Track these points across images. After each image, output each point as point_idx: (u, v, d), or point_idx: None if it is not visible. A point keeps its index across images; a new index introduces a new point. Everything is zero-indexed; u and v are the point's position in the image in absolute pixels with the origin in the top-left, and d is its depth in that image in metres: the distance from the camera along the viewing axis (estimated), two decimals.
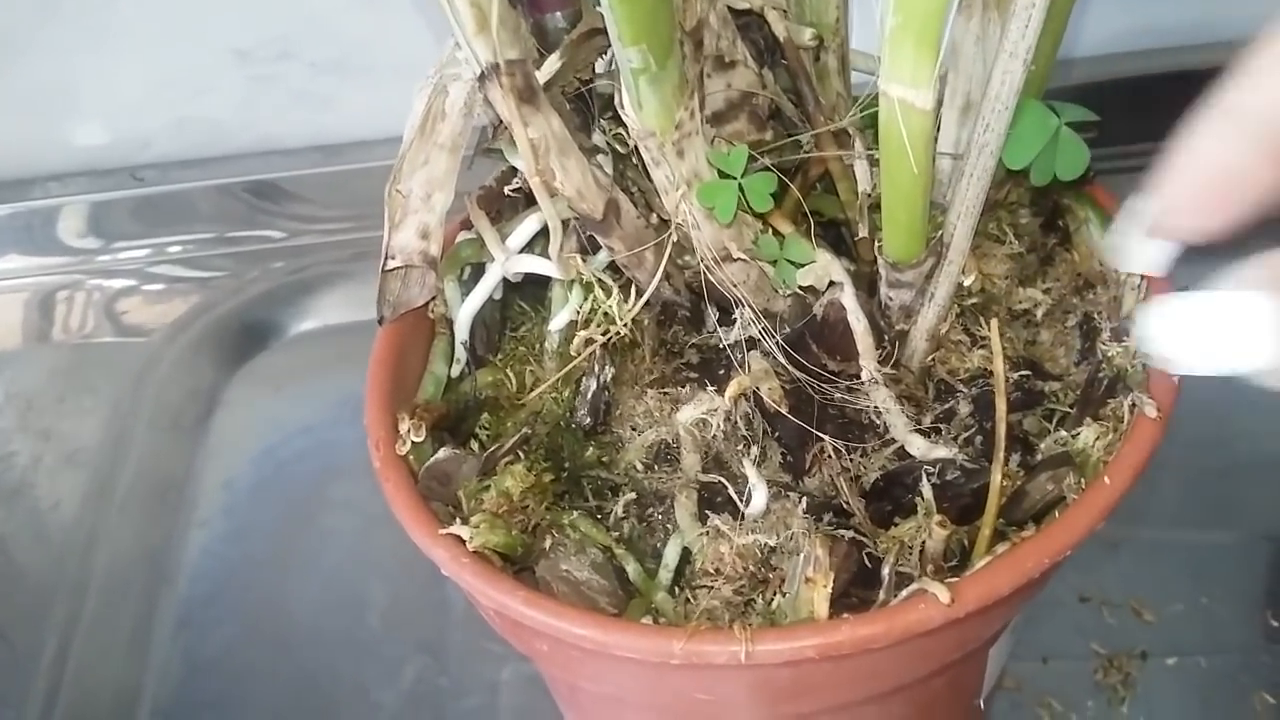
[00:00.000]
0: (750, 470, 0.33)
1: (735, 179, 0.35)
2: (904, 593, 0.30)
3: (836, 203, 0.40)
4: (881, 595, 0.31)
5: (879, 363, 0.36)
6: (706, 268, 0.36)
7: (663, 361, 0.39)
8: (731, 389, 0.34)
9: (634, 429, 0.37)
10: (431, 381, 0.39)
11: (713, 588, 0.32)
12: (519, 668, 0.55)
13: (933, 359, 0.38)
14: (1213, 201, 0.27)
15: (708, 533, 0.32)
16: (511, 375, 0.40)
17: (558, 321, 0.39)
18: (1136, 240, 0.31)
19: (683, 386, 0.38)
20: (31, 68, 0.71)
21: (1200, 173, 0.27)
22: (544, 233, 0.40)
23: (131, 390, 0.68)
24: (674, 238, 0.37)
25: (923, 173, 0.33)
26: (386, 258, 0.38)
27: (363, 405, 0.67)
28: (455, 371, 0.40)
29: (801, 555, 0.31)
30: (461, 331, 0.40)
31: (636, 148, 0.39)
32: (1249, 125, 0.26)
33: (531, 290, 0.42)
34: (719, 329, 0.39)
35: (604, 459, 0.36)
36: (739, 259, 0.36)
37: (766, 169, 0.35)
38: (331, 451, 0.66)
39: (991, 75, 0.33)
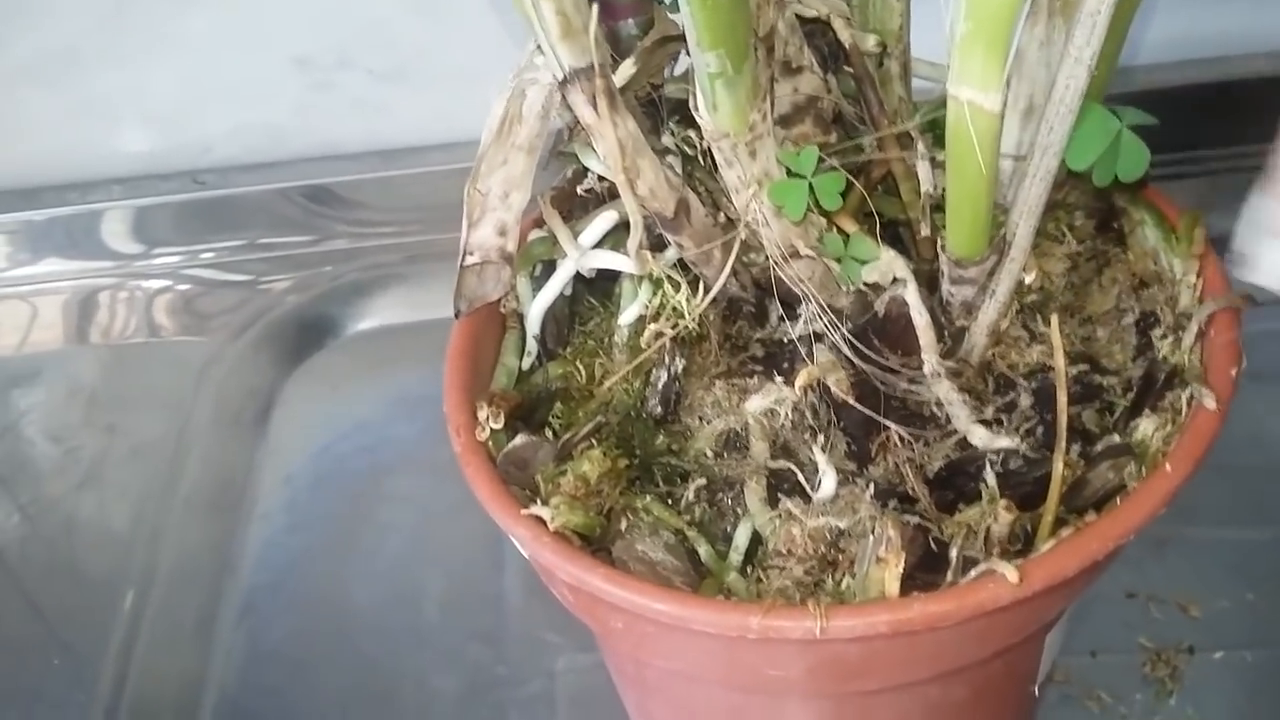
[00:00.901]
0: (820, 457, 0.34)
1: (805, 178, 0.36)
2: (972, 573, 0.31)
3: (897, 203, 0.41)
4: (949, 576, 0.32)
5: (940, 357, 0.38)
6: (774, 264, 0.37)
7: (728, 355, 0.40)
8: (801, 379, 0.35)
9: (702, 419, 0.38)
10: (504, 373, 0.41)
11: (784, 568, 0.33)
12: (575, 658, 0.56)
13: (993, 354, 0.39)
14: None
15: (779, 516, 0.34)
16: (581, 367, 0.41)
17: (627, 316, 0.40)
18: (1266, 247, 0.30)
19: (749, 378, 0.39)
20: (98, 75, 0.73)
21: None
22: (614, 231, 0.41)
23: (193, 388, 0.70)
24: (742, 236, 0.38)
25: (989, 172, 0.34)
26: (465, 254, 0.39)
27: (417, 403, 0.71)
28: (526, 364, 0.42)
29: (872, 536, 0.32)
30: (533, 325, 0.41)
31: (706, 149, 0.40)
32: None
33: (600, 286, 0.43)
34: (784, 323, 0.40)
35: (673, 447, 0.38)
36: (805, 256, 0.38)
37: (833, 169, 0.37)
38: (388, 448, 0.68)
39: (1056, 80, 0.34)
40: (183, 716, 0.55)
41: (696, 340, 0.40)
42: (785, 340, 0.40)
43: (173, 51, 0.72)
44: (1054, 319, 0.38)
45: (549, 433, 0.39)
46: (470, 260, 0.39)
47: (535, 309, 0.41)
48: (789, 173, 0.37)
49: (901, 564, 0.30)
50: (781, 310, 0.40)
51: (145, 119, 0.75)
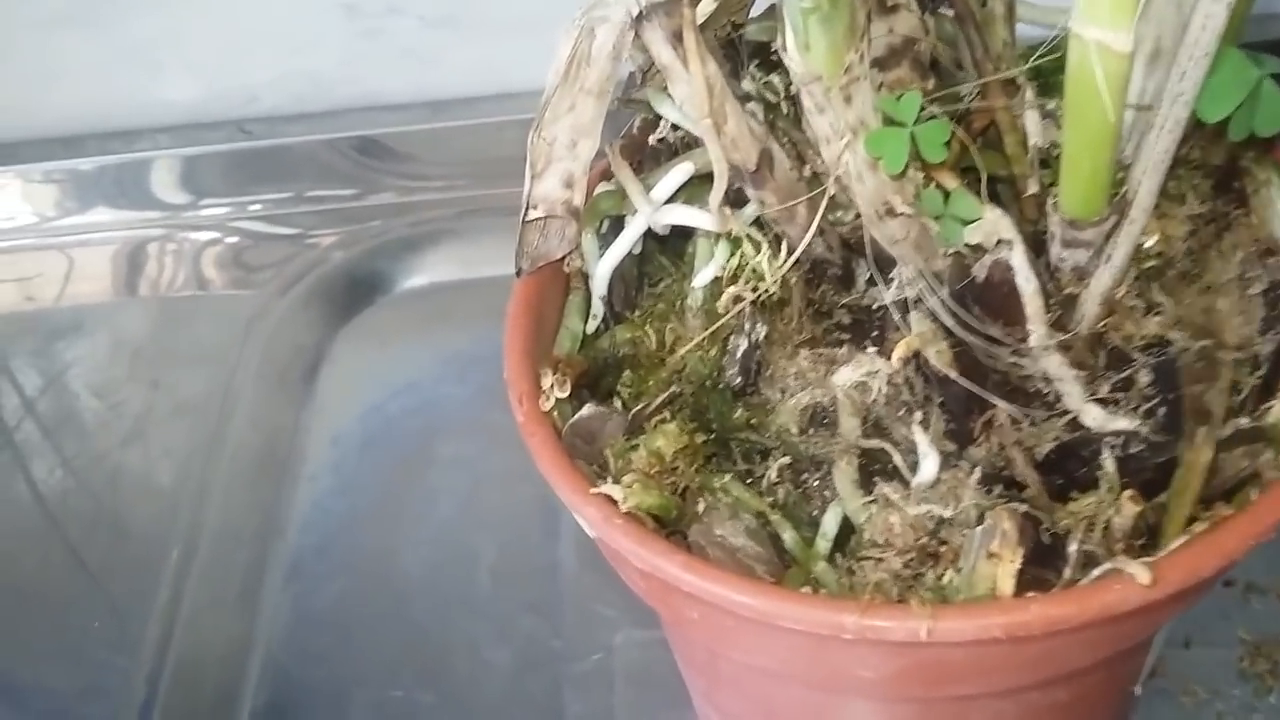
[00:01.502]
0: (920, 437, 0.31)
1: (906, 127, 0.33)
2: (1095, 572, 0.28)
3: (997, 158, 0.38)
4: (1068, 574, 0.29)
5: (1048, 328, 0.34)
6: (867, 223, 0.34)
7: (811, 322, 0.37)
8: (899, 350, 0.32)
9: (784, 391, 0.35)
10: (568, 337, 0.38)
11: (881, 560, 0.30)
12: (633, 633, 0.54)
13: (1104, 324, 0.36)
14: None
15: (875, 501, 0.31)
16: (651, 332, 0.38)
17: (702, 278, 0.37)
18: None
19: (837, 348, 0.36)
20: (139, 20, 0.71)
21: None
22: (689, 185, 0.38)
23: (239, 344, 0.68)
24: (830, 191, 0.35)
25: (1115, 121, 0.30)
26: (527, 208, 0.36)
27: (469, 364, 0.68)
28: (591, 328, 0.39)
29: (981, 528, 0.29)
30: (600, 286, 0.38)
31: (789, 96, 0.37)
32: None
33: (672, 245, 0.40)
34: (875, 288, 0.37)
35: (753, 421, 0.35)
36: (901, 214, 0.34)
37: (935, 118, 0.33)
38: (438, 409, 0.66)
39: (1191, 19, 0.31)
40: (228, 681, 0.54)
41: (777, 306, 0.37)
42: (874, 307, 0.37)
43: None
44: (1177, 287, 0.34)
45: (617, 403, 0.36)
46: (533, 215, 0.36)
47: (602, 268, 0.38)
48: (886, 121, 0.33)
49: (1018, 560, 0.27)
50: (871, 274, 0.37)
51: (188, 66, 0.73)
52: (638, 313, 0.39)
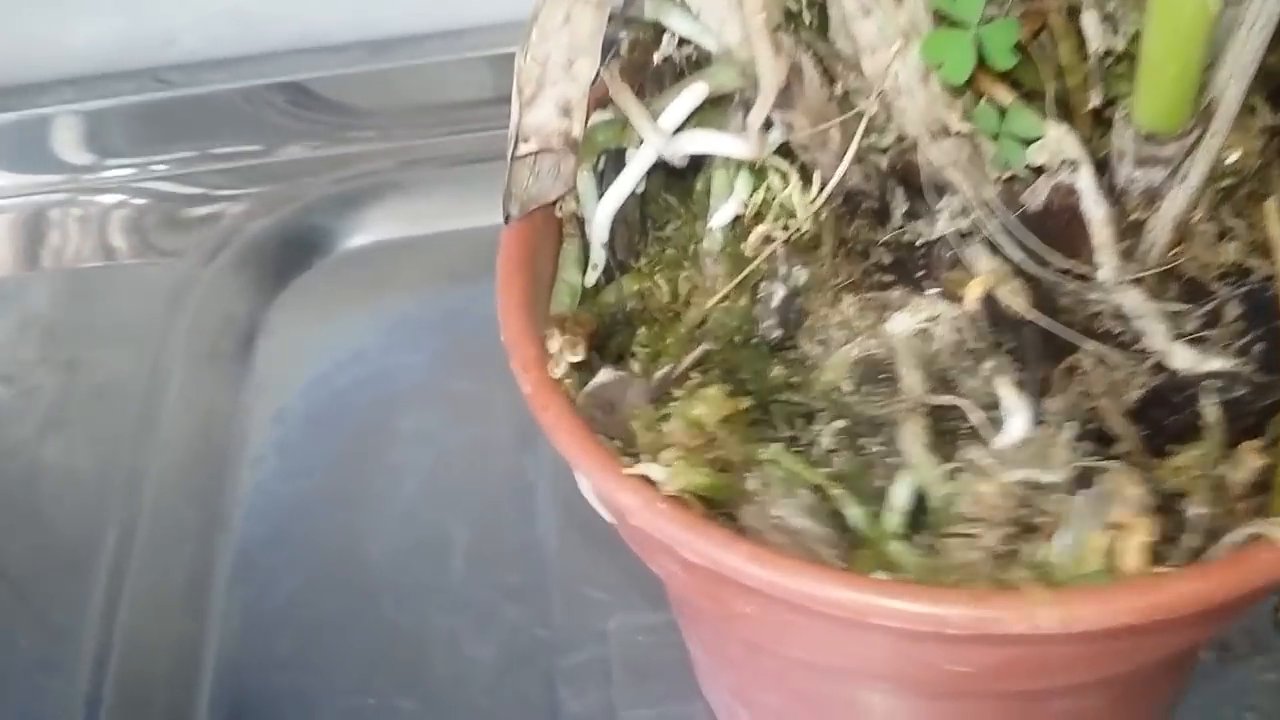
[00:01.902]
0: (1005, 389, 0.27)
1: (970, 28, 0.28)
2: (1231, 538, 0.24)
3: (1047, 69, 0.33)
4: (1191, 542, 0.25)
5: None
6: (920, 145, 0.30)
7: (847, 263, 0.33)
8: (975, 289, 0.28)
9: (826, 343, 0.31)
10: (566, 291, 0.33)
11: (972, 535, 0.26)
12: (628, 618, 0.49)
13: (1176, 253, 0.32)
14: None
15: (960, 467, 0.26)
16: (662, 283, 0.33)
17: (721, 216, 0.32)
18: None
19: (883, 290, 0.31)
20: None
21: None
22: (699, 110, 0.33)
23: (164, 317, 0.61)
24: (871, 110, 0.30)
25: (1212, 15, 0.26)
26: (517, 141, 0.31)
27: (421, 329, 0.62)
28: (590, 280, 0.34)
29: (1088, 494, 0.25)
30: (601, 231, 0.33)
31: (814, 3, 0.32)
32: None
33: (676, 183, 0.35)
34: (914, 222, 0.32)
35: (794, 380, 0.30)
36: (957, 133, 0.30)
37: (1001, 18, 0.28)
38: (391, 379, 0.60)
39: None
40: (178, 698, 0.48)
41: (809, 246, 0.32)
42: (918, 244, 0.32)
43: None
44: (1270, 205, 0.30)
45: (635, 365, 0.31)
46: (524, 149, 0.31)
47: (603, 210, 0.33)
48: (940, 23, 0.29)
49: (1150, 532, 0.23)
50: (908, 207, 0.33)
51: (96, 7, 0.65)
52: (644, 261, 0.34)
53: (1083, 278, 0.30)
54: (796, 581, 0.24)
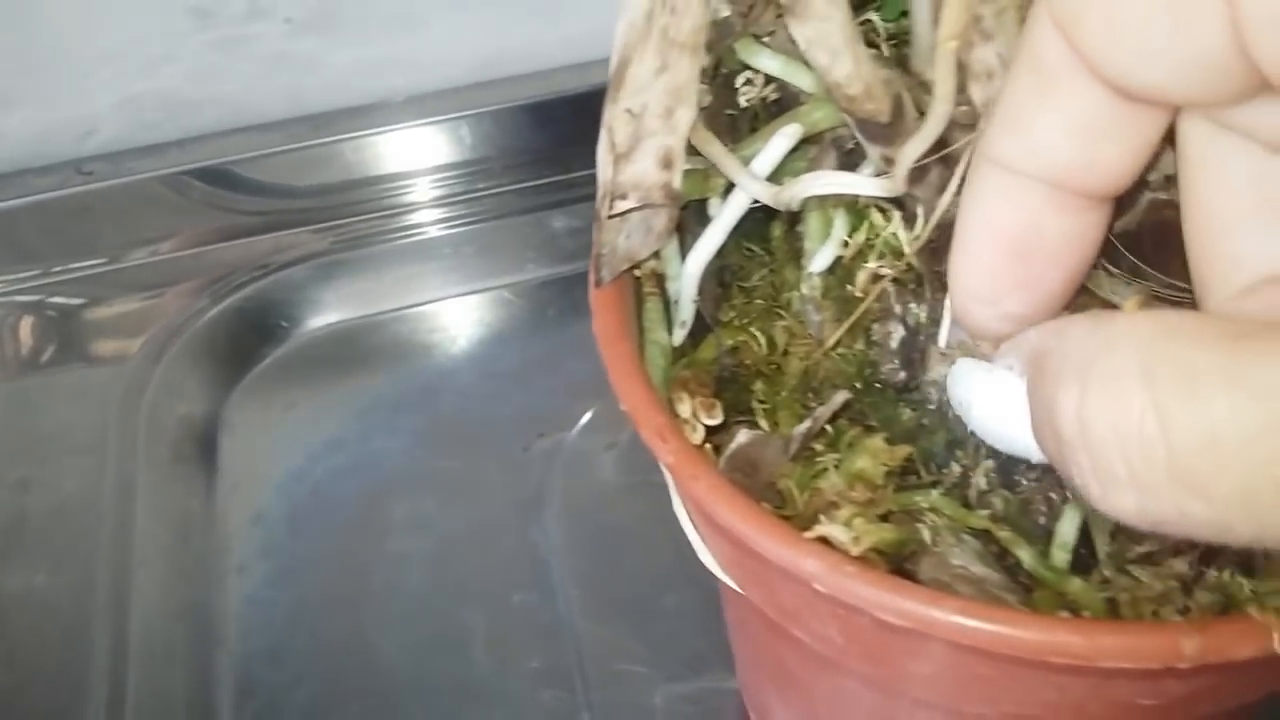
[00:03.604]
0: None
1: None
2: None
3: None
4: None
5: None
6: None
7: (945, 295, 0.32)
8: (1129, 308, 0.27)
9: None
10: (659, 353, 0.31)
11: (1159, 564, 0.25)
12: (671, 689, 0.47)
13: None
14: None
15: None
16: (758, 334, 0.32)
17: (821, 260, 0.31)
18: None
19: None
20: None
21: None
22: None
23: (116, 423, 0.57)
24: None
25: None
26: (611, 199, 0.29)
27: (394, 410, 0.59)
28: (678, 339, 0.32)
29: None
30: (689, 287, 0.32)
31: (893, 36, 0.32)
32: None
33: (755, 231, 0.34)
34: None
35: (924, 421, 0.29)
36: None
37: None
38: (373, 466, 0.57)
39: None
40: None
41: (915, 282, 0.31)
42: None
43: (37, 12, 0.58)
44: None
45: (761, 422, 0.29)
46: (621, 206, 0.29)
47: (694, 263, 0.31)
48: None
49: None
50: None
51: (11, 100, 0.61)
52: (732, 314, 0.33)
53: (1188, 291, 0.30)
54: (1027, 633, 0.22)
